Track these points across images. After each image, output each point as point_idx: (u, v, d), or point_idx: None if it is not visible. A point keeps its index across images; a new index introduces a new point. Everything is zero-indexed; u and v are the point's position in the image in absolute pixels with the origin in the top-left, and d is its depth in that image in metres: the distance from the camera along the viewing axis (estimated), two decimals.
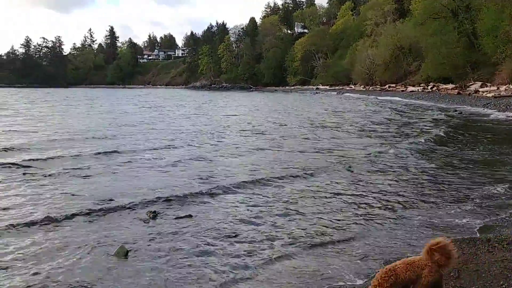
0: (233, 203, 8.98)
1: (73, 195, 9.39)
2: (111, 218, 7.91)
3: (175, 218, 7.86)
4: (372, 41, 77.37)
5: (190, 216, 7.98)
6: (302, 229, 7.41)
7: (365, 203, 8.90)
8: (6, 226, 7.30)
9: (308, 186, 10.31)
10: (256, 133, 21.23)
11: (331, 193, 9.67)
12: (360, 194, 9.60)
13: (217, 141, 18.30)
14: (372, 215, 8.14)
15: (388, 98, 51.80)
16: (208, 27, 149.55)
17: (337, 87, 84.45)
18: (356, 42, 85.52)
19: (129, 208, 8.44)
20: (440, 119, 26.00)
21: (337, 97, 65.15)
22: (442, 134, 19.12)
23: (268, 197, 9.44)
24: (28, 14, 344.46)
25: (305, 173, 11.57)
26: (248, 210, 8.50)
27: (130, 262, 6.04)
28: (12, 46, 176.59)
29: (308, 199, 9.21)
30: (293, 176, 11.26)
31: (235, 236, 7.02)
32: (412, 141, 17.24)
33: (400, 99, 48.44)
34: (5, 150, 14.79)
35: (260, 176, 11.24)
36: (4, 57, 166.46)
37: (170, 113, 34.97)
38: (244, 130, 22.33)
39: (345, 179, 11.09)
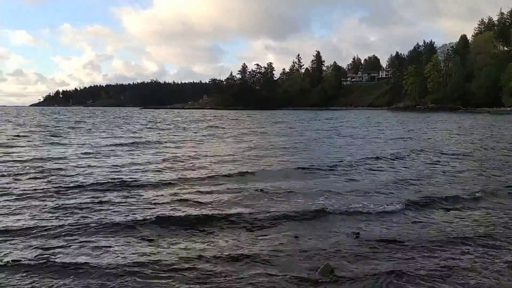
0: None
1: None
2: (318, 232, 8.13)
3: (378, 241, 7.62)
4: None
5: (394, 241, 7.61)
6: None
7: None
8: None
9: None
10: None
11: None
12: None
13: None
14: None
15: None
16: (414, 47, 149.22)
17: None
18: None
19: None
20: None
21: None
22: None
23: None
24: (249, 45, 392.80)
25: None
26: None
27: (335, 280, 5.99)
28: (231, 72, 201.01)
29: None
30: None
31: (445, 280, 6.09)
32: None
33: None
34: None
35: None
36: (224, 82, 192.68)
37: None
38: None
39: None
